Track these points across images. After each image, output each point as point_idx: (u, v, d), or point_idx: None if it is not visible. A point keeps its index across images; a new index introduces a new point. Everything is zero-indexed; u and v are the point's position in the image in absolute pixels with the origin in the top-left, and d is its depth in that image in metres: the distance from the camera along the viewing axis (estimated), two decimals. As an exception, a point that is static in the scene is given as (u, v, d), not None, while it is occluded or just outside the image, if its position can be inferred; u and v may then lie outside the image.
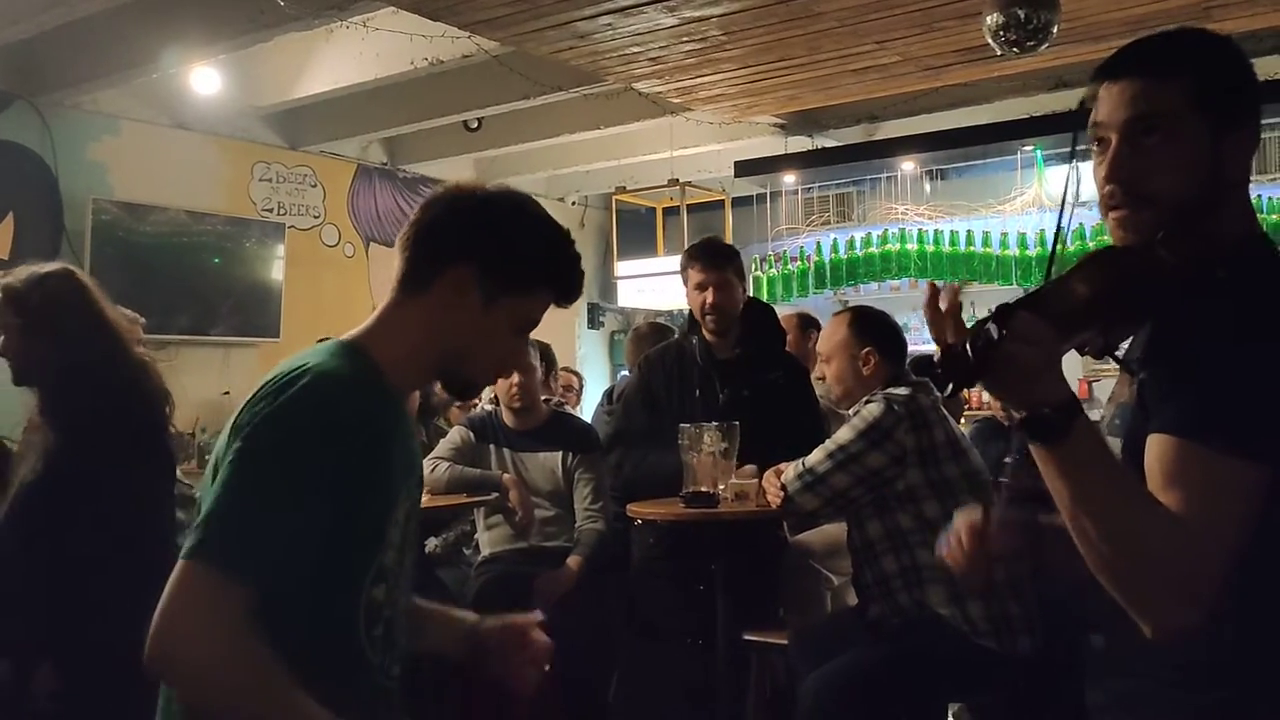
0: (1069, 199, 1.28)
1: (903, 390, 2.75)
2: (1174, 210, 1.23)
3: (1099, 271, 1.20)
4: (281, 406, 1.29)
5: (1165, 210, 1.23)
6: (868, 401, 2.77)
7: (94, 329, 2.48)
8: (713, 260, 3.37)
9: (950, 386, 1.16)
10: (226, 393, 6.19)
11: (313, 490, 1.28)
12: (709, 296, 3.33)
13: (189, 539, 1.25)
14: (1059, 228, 1.31)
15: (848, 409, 2.91)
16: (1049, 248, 6.43)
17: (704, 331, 3.42)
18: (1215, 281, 1.18)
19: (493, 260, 1.44)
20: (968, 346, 1.14)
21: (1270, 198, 5.98)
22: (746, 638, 3.13)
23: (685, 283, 3.44)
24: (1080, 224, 6.27)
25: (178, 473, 3.50)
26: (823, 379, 3.06)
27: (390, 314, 1.46)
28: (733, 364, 3.37)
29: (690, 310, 3.53)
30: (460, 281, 1.43)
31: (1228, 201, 1.25)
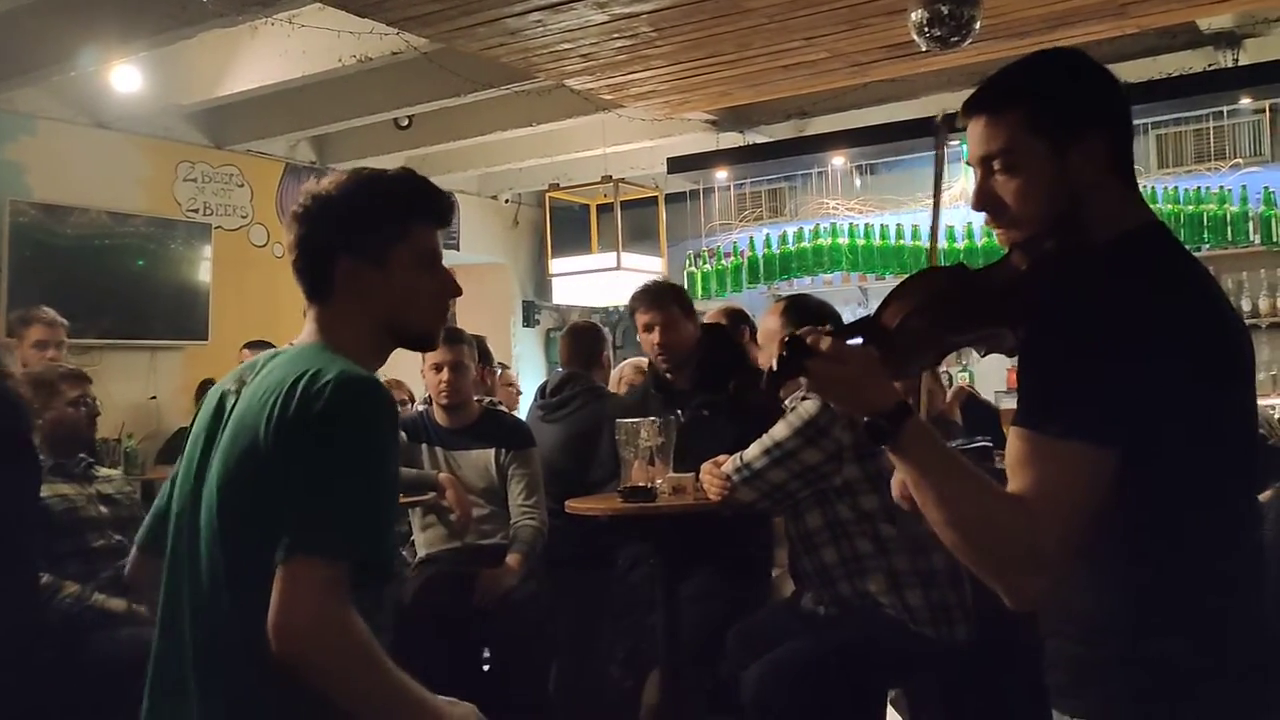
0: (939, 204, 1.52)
1: None
2: (1036, 224, 1.36)
3: (905, 294, 1.37)
4: (339, 404, 1.43)
5: (1028, 225, 1.37)
6: (804, 398, 2.79)
7: None
8: (655, 300, 3.42)
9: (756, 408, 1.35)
10: (153, 397, 6.07)
11: (390, 472, 1.50)
12: (656, 337, 3.38)
13: (290, 538, 1.38)
14: (934, 226, 1.47)
15: (786, 394, 2.94)
16: (955, 242, 6.57)
17: (660, 371, 3.47)
18: (1063, 280, 1.30)
19: (357, 239, 1.58)
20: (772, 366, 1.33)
21: (1185, 189, 6.16)
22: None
23: (636, 327, 3.49)
24: (969, 223, 6.43)
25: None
26: None
27: (324, 321, 1.61)
28: (688, 390, 3.41)
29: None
30: (349, 271, 1.58)
31: (1091, 202, 1.35)
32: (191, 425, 1.64)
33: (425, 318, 1.66)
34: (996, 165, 1.37)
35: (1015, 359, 1.34)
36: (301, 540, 1.38)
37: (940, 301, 1.36)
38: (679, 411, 3.33)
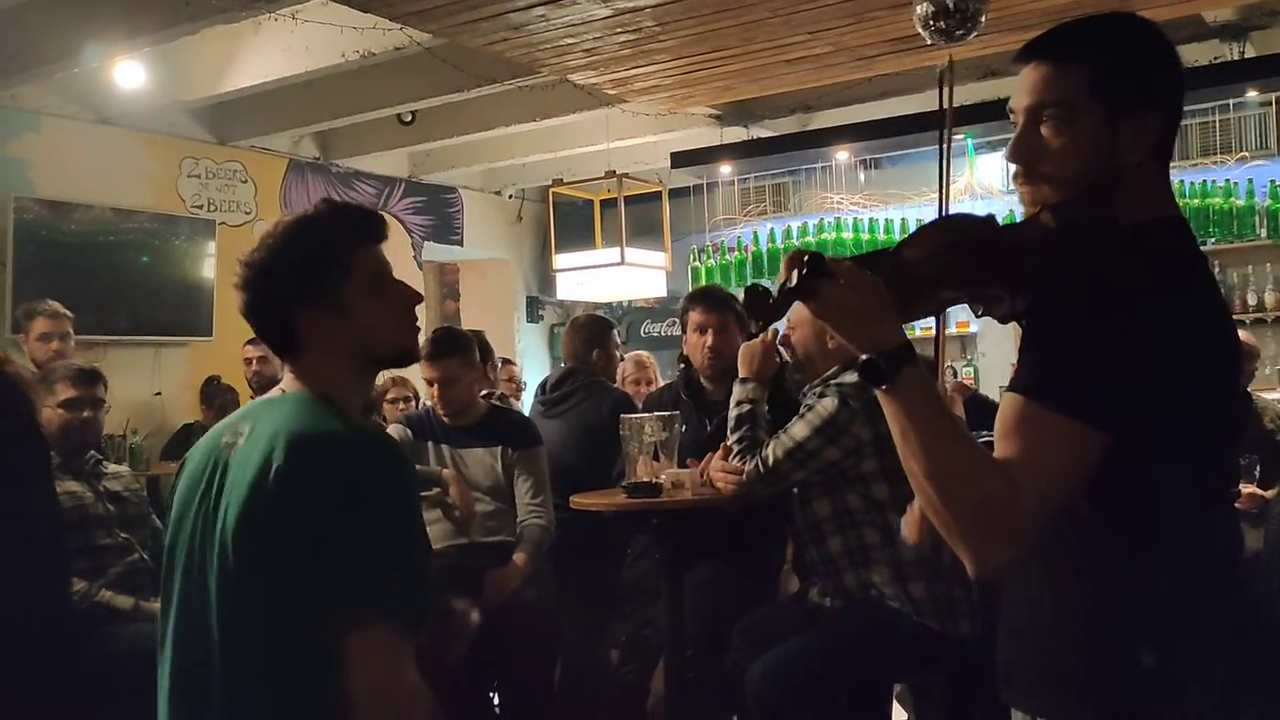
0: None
1: (853, 379, 2.75)
2: (1069, 188, 1.31)
3: (934, 234, 1.33)
4: (359, 474, 1.45)
5: (1061, 188, 1.31)
6: (822, 396, 2.79)
7: None
8: (714, 304, 3.43)
9: (759, 319, 1.32)
10: (158, 393, 6.08)
11: (418, 529, 1.55)
12: (709, 339, 3.38)
13: (351, 606, 1.39)
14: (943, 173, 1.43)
15: (807, 377, 2.94)
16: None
17: (700, 377, 3.47)
18: (1088, 256, 1.27)
19: (305, 290, 1.57)
20: (784, 286, 1.28)
21: (1191, 182, 6.13)
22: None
23: (684, 327, 3.50)
24: (1010, 210, 6.40)
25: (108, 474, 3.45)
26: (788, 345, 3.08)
27: (301, 371, 1.61)
28: (722, 400, 3.37)
29: (683, 354, 3.58)
30: (309, 322, 1.58)
31: (1128, 181, 1.31)
32: (179, 479, 1.63)
33: (395, 339, 1.66)
34: (1046, 115, 1.30)
35: (1017, 349, 1.33)
36: (361, 608, 1.40)
37: (966, 249, 1.32)
38: (708, 420, 3.34)
